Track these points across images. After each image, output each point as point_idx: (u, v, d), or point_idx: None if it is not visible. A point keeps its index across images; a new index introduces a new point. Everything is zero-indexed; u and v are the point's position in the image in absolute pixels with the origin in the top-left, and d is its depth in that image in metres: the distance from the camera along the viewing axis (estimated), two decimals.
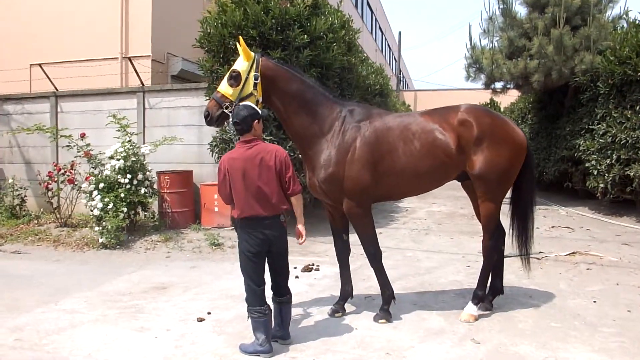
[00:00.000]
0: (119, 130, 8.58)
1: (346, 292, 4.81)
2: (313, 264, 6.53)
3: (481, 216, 4.68)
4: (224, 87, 4.29)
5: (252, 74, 4.27)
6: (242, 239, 3.89)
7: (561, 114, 12.46)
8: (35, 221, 9.52)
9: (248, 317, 3.90)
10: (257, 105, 4.13)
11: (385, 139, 4.47)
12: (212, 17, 8.18)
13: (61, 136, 9.26)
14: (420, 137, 4.46)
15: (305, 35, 7.84)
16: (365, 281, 5.71)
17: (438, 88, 38.27)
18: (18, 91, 11.95)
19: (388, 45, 43.97)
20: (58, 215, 9.16)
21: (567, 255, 6.84)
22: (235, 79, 4.26)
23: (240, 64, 4.30)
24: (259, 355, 3.80)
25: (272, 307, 3.98)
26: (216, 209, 8.78)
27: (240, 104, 4.10)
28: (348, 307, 4.82)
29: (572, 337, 4.12)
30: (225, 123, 4.44)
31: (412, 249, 7.55)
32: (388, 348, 3.94)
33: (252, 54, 4.35)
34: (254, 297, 3.86)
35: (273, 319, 3.98)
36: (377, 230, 8.74)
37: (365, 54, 12.99)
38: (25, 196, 10.20)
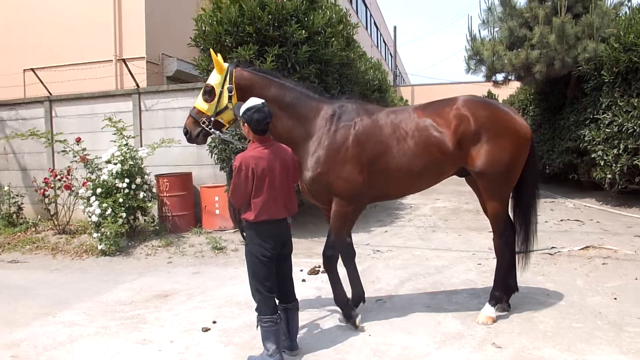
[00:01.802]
0: (115, 134, 8.38)
1: (357, 296, 4.60)
2: (319, 266, 6.31)
3: (488, 215, 4.47)
4: (200, 103, 4.22)
5: (226, 86, 4.15)
6: (255, 243, 3.66)
7: (564, 105, 12.25)
8: (33, 229, 9.31)
9: (257, 326, 3.69)
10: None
11: (378, 137, 4.24)
12: (207, 14, 7.96)
13: (56, 141, 9.03)
14: (414, 135, 4.22)
15: (303, 31, 7.63)
16: (374, 283, 5.51)
17: (435, 82, 37.87)
18: (12, 97, 11.71)
19: (383, 40, 43.70)
20: (56, 222, 8.96)
21: (580, 249, 6.64)
22: (210, 93, 4.18)
23: (214, 78, 4.20)
24: None
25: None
26: (217, 212, 8.59)
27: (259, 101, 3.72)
28: (359, 311, 4.60)
29: (597, 337, 3.92)
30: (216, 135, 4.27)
31: (420, 247, 7.34)
32: (405, 356, 3.74)
33: (225, 65, 4.21)
34: (267, 305, 3.64)
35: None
36: (383, 229, 8.57)
37: (363, 49, 12.79)
38: (22, 203, 9.98)
